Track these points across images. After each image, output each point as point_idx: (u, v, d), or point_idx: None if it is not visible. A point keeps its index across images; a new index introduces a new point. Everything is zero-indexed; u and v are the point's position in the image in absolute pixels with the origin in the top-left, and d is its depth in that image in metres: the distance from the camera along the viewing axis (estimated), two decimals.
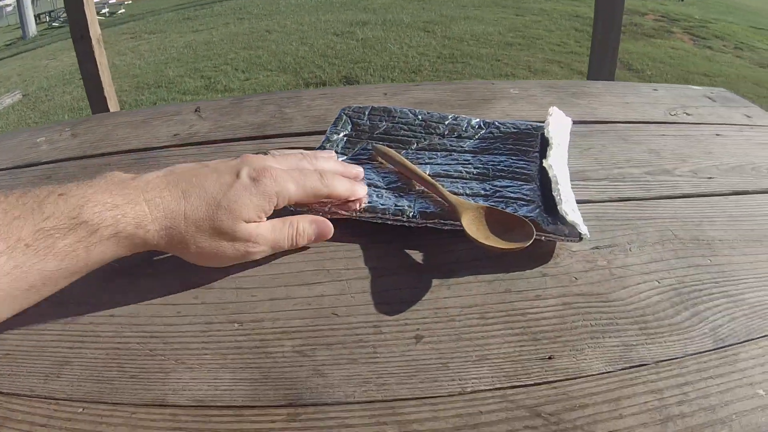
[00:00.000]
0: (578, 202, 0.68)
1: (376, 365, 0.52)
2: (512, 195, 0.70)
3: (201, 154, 0.90)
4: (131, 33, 11.31)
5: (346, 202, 0.68)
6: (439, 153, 0.81)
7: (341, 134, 0.85)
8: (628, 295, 0.58)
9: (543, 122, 0.82)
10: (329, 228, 0.66)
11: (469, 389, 0.49)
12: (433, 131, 0.86)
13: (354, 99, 1.07)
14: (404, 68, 6.48)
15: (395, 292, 0.60)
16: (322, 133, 0.88)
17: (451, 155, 0.80)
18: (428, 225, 0.66)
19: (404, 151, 0.81)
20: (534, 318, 0.56)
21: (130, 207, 0.55)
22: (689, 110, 1.01)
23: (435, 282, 0.60)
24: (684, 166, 0.82)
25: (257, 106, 1.07)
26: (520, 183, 0.72)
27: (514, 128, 0.85)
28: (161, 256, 0.66)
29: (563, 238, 0.63)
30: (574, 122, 0.87)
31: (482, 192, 0.71)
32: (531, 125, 0.85)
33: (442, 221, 0.66)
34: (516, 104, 1.02)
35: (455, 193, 0.69)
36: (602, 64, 2.58)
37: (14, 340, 0.57)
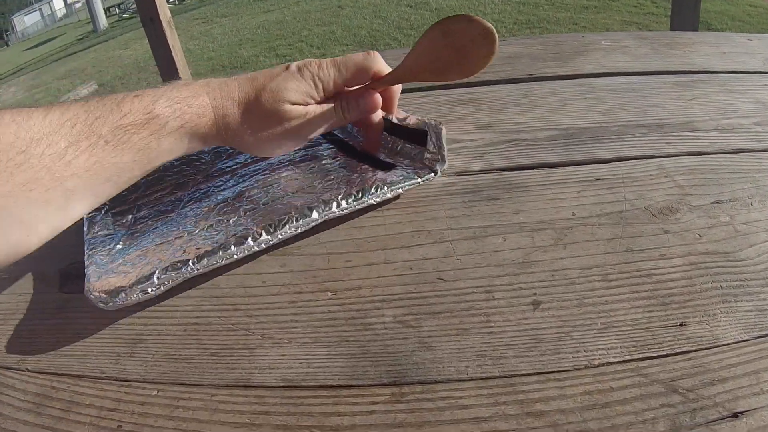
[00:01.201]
0: (690, 153, 0.65)
1: (491, 336, 0.45)
2: (332, 167, 0.69)
3: None
4: (203, 18, 11.51)
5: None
6: (223, 178, 0.73)
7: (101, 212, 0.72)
8: (756, 254, 0.51)
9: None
10: (377, 100, 0.66)
11: (596, 362, 0.43)
12: (199, 163, 0.78)
13: None
14: None
15: (506, 253, 0.53)
16: (404, 92, 0.81)
17: (236, 174, 0.74)
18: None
19: (183, 193, 0.72)
20: (660, 280, 0.49)
21: (193, 98, 0.59)
22: None
23: (549, 241, 0.54)
24: None
25: None
26: (330, 160, 0.72)
27: None
28: None
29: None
30: (673, 72, 0.83)
31: (305, 183, 0.67)
32: None
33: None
34: (610, 56, 0.95)
35: (279, 196, 0.65)
36: (684, 22, 2.46)
37: (83, 318, 0.54)
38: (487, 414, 0.40)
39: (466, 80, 0.76)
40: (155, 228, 0.64)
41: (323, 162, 0.70)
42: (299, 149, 0.74)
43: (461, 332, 0.46)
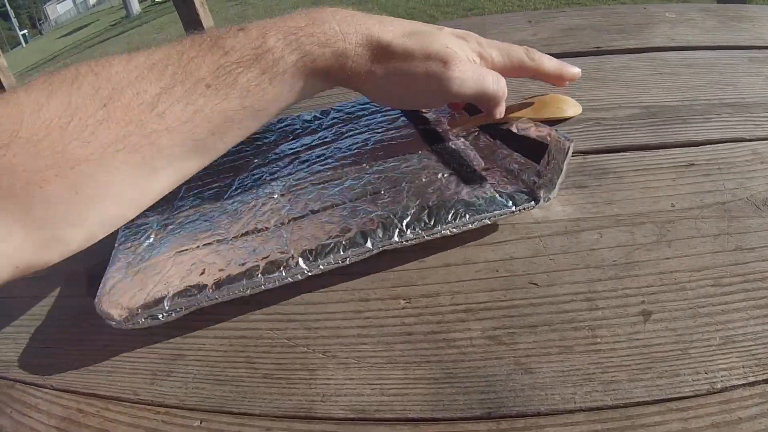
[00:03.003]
0: None
1: (598, 354, 0.38)
2: (408, 170, 0.56)
3: None
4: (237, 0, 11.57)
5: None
6: (280, 163, 0.65)
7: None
8: None
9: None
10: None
11: (718, 385, 0.35)
12: (261, 143, 0.70)
13: (496, 27, 0.96)
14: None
15: (605, 251, 0.46)
16: None
17: (296, 159, 0.64)
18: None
19: (232, 179, 0.64)
20: None
21: (317, 26, 0.51)
22: None
23: (651, 237, 0.46)
24: None
25: None
26: (407, 155, 0.59)
27: (361, 106, 0.73)
28: None
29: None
30: (745, 47, 0.77)
31: (369, 188, 0.55)
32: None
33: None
34: (676, 28, 0.88)
35: (332, 205, 0.54)
36: None
37: (113, 327, 0.47)
38: None
39: None
40: (188, 223, 0.57)
41: (397, 157, 0.59)
42: (377, 130, 0.65)
43: (563, 350, 0.38)
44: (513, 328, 0.41)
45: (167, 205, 0.61)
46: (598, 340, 0.39)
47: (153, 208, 0.56)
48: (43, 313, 0.55)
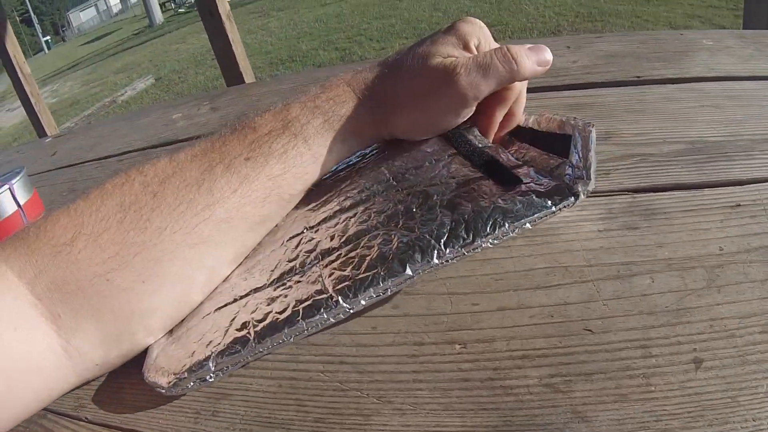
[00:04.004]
0: None
1: (652, 403, 0.38)
2: (436, 179, 0.53)
3: None
4: (259, 11, 11.70)
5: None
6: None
7: None
8: None
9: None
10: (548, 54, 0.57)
11: None
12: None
13: None
14: (542, 29, 6.28)
15: (657, 297, 0.45)
16: None
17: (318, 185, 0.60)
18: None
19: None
20: None
21: (331, 90, 0.55)
22: None
23: (701, 283, 0.46)
24: None
25: None
26: (432, 161, 0.56)
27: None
28: None
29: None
30: None
31: (401, 208, 0.51)
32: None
33: None
34: (715, 57, 0.88)
35: (365, 232, 0.51)
36: (759, 15, 2.36)
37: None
38: None
39: (572, 82, 0.70)
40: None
41: (423, 165, 0.55)
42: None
43: (619, 398, 0.38)
44: (569, 375, 0.40)
45: None
46: (652, 388, 0.39)
47: None
48: None
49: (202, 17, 2.56)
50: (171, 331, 0.50)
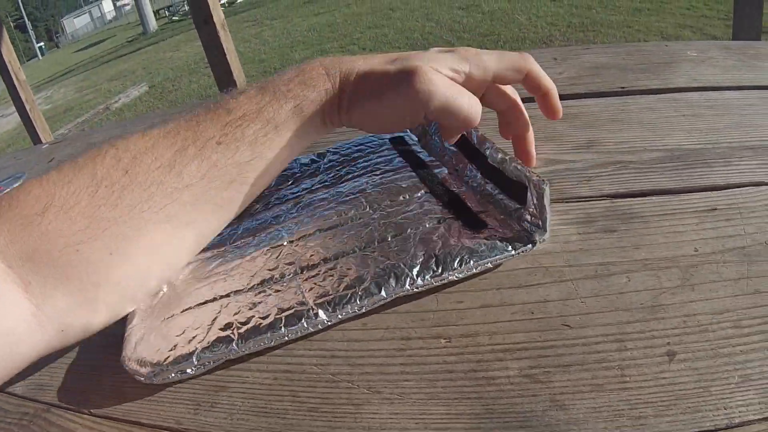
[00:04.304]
0: None
1: (627, 392, 0.40)
2: (410, 214, 0.59)
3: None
4: (253, 20, 11.71)
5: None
6: (283, 207, 0.66)
7: None
8: None
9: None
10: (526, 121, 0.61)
11: (736, 420, 0.38)
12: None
13: None
14: (534, 39, 6.31)
15: (633, 295, 0.48)
16: None
17: (298, 204, 0.66)
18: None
19: (237, 224, 0.64)
20: None
21: (305, 74, 0.55)
22: None
23: (676, 282, 0.48)
24: None
25: None
26: (407, 198, 0.62)
27: (356, 147, 0.76)
28: None
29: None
30: (764, 87, 0.79)
31: (376, 235, 0.57)
32: (374, 139, 0.76)
33: None
34: (698, 68, 0.90)
35: (343, 254, 0.56)
36: (749, 26, 2.39)
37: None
38: None
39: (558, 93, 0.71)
40: (200, 272, 0.58)
41: (398, 200, 0.61)
42: (375, 173, 0.68)
43: (595, 388, 0.41)
44: (548, 367, 0.43)
45: None
46: (627, 378, 0.41)
47: None
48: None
49: (196, 26, 2.58)
50: (147, 319, 0.53)
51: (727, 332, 0.44)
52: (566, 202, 0.60)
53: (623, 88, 0.85)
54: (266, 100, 0.53)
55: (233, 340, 0.48)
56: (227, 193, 0.52)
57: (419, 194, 0.62)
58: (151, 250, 0.50)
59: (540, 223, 0.53)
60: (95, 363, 0.54)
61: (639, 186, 0.60)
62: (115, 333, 0.53)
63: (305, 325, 0.49)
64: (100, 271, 0.48)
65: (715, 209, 0.56)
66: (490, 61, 0.56)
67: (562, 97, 0.80)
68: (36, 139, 3.61)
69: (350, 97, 0.56)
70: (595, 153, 0.68)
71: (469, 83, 0.56)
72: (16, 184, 0.98)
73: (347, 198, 0.64)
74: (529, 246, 0.52)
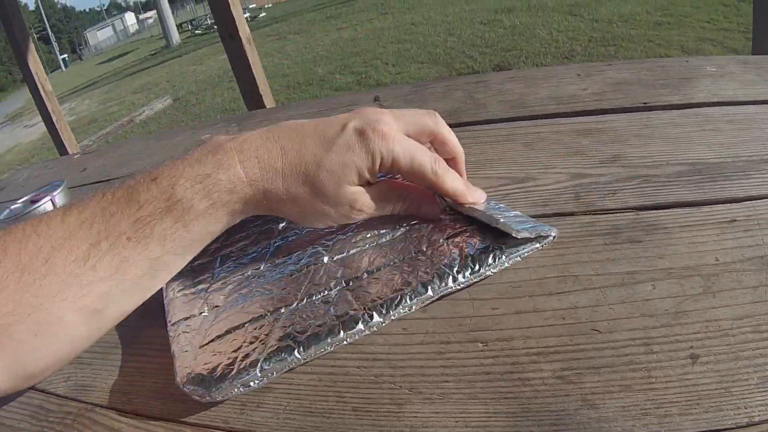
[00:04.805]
0: None
1: (653, 392, 0.43)
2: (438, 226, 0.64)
3: None
4: (276, 35, 11.75)
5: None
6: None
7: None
8: None
9: None
10: (436, 214, 0.64)
11: (756, 419, 0.40)
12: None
13: (545, 81, 1.01)
14: (556, 54, 6.32)
15: (657, 302, 0.51)
16: (522, 119, 0.80)
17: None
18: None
19: (268, 242, 0.68)
20: None
21: (222, 172, 0.54)
22: None
23: (698, 289, 0.51)
24: None
25: (443, 92, 1.01)
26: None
27: None
28: None
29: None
30: None
31: (411, 247, 0.61)
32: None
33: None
34: (718, 83, 0.92)
35: (385, 265, 0.59)
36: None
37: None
38: None
39: (583, 109, 0.74)
40: (245, 289, 0.61)
41: (416, 225, 0.64)
42: None
43: (623, 388, 0.44)
44: (579, 369, 0.46)
45: (208, 274, 0.65)
46: (653, 380, 0.44)
47: (195, 280, 0.63)
48: (115, 341, 0.60)
49: (222, 40, 2.59)
50: (194, 339, 0.55)
51: (746, 336, 0.46)
52: (593, 214, 0.63)
53: (646, 103, 0.87)
54: (177, 196, 0.53)
55: (294, 348, 0.50)
56: (140, 282, 0.54)
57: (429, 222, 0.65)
58: (72, 334, 0.52)
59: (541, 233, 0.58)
60: (139, 366, 0.57)
61: (662, 199, 0.63)
62: (161, 334, 0.57)
63: (362, 328, 0.52)
64: (27, 350, 0.50)
65: (735, 221, 0.58)
66: (398, 156, 0.57)
67: (587, 113, 0.84)
68: (62, 150, 3.63)
69: (278, 202, 0.57)
70: (621, 167, 0.71)
71: (381, 170, 0.59)
72: (56, 192, 1.02)
73: (365, 229, 0.66)
74: (551, 238, 0.58)
